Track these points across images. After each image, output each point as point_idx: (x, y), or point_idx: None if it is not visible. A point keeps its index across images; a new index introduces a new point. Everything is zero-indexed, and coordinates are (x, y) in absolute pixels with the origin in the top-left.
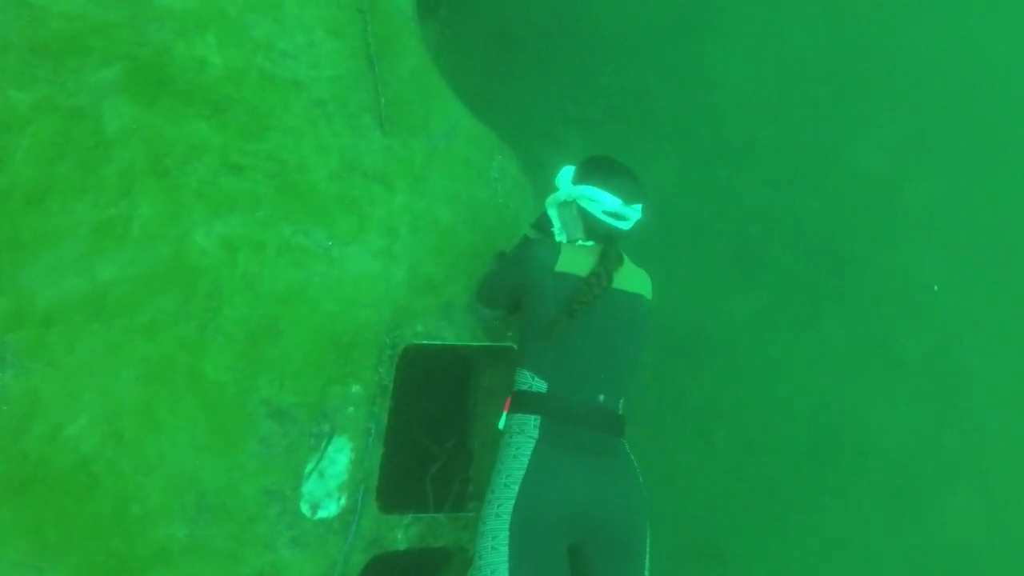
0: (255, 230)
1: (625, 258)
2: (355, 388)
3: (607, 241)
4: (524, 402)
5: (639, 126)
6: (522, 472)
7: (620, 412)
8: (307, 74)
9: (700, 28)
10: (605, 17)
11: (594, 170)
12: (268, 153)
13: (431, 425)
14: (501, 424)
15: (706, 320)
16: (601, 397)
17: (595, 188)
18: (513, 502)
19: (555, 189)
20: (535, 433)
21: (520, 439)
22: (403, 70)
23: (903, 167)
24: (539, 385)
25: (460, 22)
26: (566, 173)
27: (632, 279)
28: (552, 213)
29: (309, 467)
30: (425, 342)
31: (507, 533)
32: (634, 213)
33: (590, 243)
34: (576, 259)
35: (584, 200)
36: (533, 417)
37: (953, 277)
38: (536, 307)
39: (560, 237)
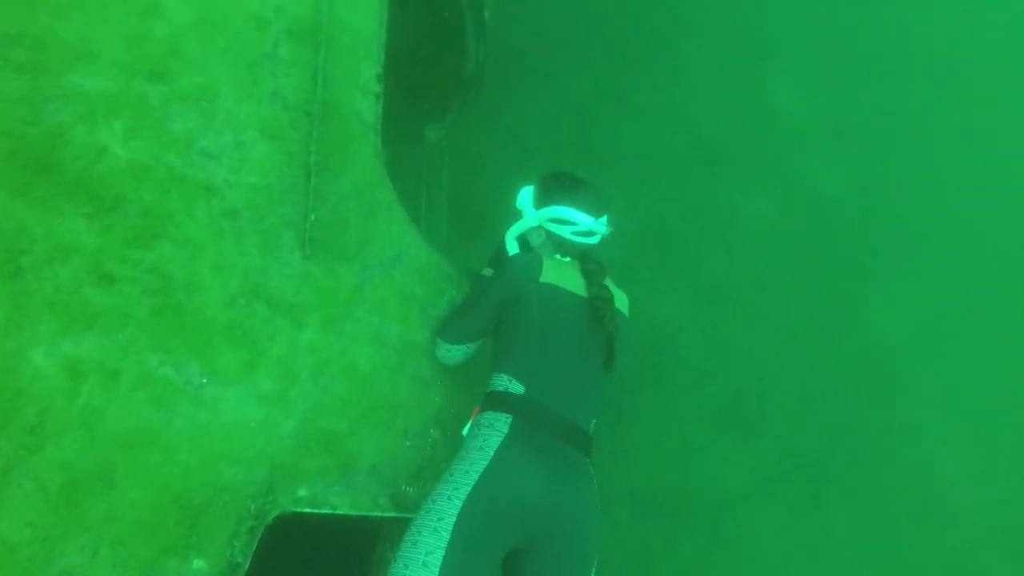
0: (112, 355)
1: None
2: (197, 563)
3: (581, 258)
4: (498, 402)
5: (649, 257)
6: (485, 463)
7: (591, 432)
8: (225, 179)
9: (723, 161)
10: (630, 141)
11: (557, 188)
12: (152, 265)
13: None
14: (465, 431)
15: (691, 483)
16: (576, 412)
17: (562, 207)
18: (470, 488)
19: (517, 215)
20: (505, 428)
21: (488, 432)
22: (347, 184)
23: (928, 335)
24: (516, 388)
25: (471, 129)
26: (526, 196)
27: (614, 296)
28: (512, 245)
29: None
30: (307, 510)
31: (455, 518)
32: (601, 226)
33: (567, 260)
34: (559, 272)
35: (553, 224)
36: (505, 415)
37: (980, 470)
38: (521, 316)
39: None
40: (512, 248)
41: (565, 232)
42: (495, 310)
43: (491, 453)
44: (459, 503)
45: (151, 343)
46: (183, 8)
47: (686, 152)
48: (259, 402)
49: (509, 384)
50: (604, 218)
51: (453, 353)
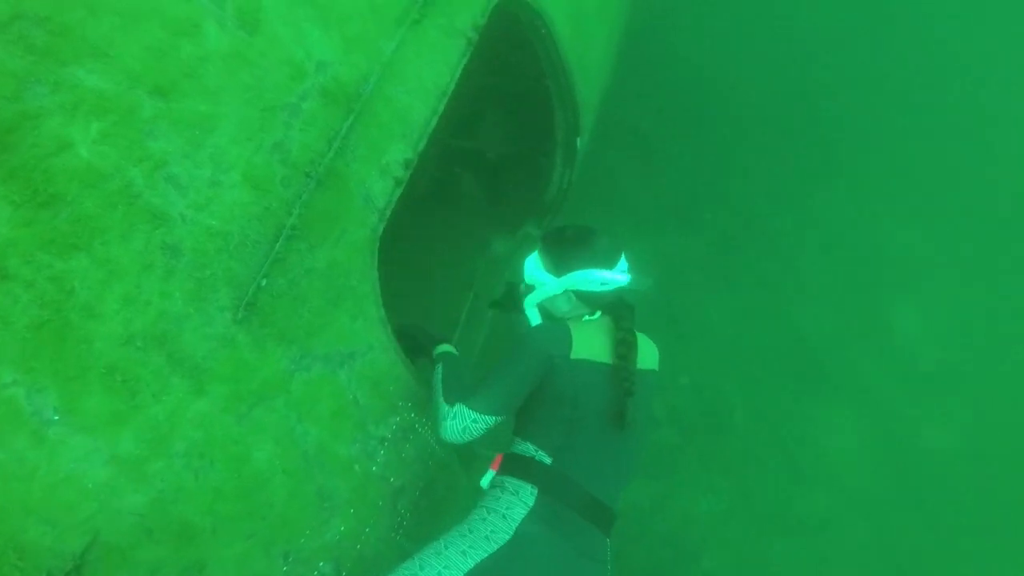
0: None
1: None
2: None
3: (614, 307)
4: (522, 468)
5: (704, 450)
6: (506, 536)
7: (616, 509)
8: (182, 212)
9: (817, 378)
10: (717, 321)
11: (571, 248)
12: (57, 275)
13: None
14: (484, 482)
15: None
16: (604, 488)
17: (586, 271)
18: (485, 556)
19: (527, 287)
20: (530, 501)
21: (512, 500)
22: (320, 260)
23: None
24: (543, 457)
25: None
26: (535, 267)
27: (644, 354)
28: (533, 315)
29: None
30: None
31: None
32: (623, 266)
33: (597, 315)
34: (589, 340)
35: (578, 284)
36: (531, 486)
37: None
38: (550, 389)
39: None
40: (534, 318)
41: (595, 287)
42: (530, 384)
43: (514, 526)
44: (471, 563)
45: (14, 356)
46: (221, 37)
47: (775, 354)
48: (109, 462)
49: (536, 453)
50: (623, 260)
51: (477, 426)
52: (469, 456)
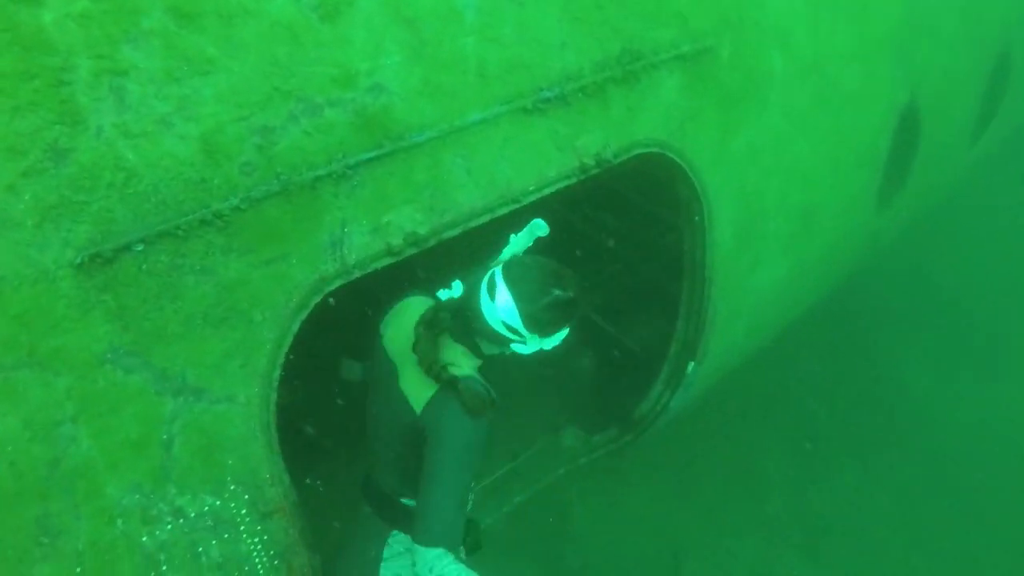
0: None
1: None
2: None
3: None
4: None
5: None
6: None
7: None
8: (103, 127)
9: None
10: None
11: (562, 318)
12: None
13: None
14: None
15: None
16: None
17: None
18: None
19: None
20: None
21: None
22: (230, 269)
23: None
24: None
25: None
26: (513, 320)
27: None
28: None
29: None
30: None
31: None
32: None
33: None
34: None
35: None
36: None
37: None
38: None
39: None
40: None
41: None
42: None
43: None
44: None
45: None
46: (287, 5)
47: None
48: None
49: None
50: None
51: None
52: None
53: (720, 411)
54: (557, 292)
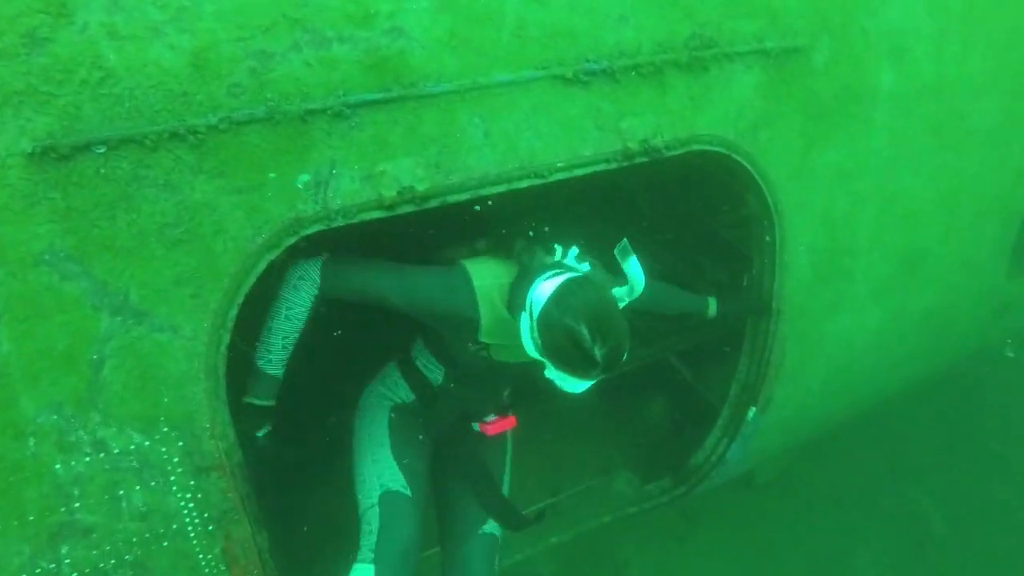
0: None
1: None
2: None
3: None
4: None
5: None
6: None
7: None
8: (88, 23)
9: None
10: None
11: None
12: None
13: None
14: None
15: None
16: None
17: None
18: None
19: None
20: None
21: None
22: (196, 191)
23: None
24: None
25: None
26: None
27: None
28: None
29: None
30: None
31: None
32: None
33: None
34: None
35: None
36: None
37: None
38: None
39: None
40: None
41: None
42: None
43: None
44: None
45: None
46: None
47: None
48: None
49: None
50: None
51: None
52: None
53: (810, 489)
54: (584, 333)
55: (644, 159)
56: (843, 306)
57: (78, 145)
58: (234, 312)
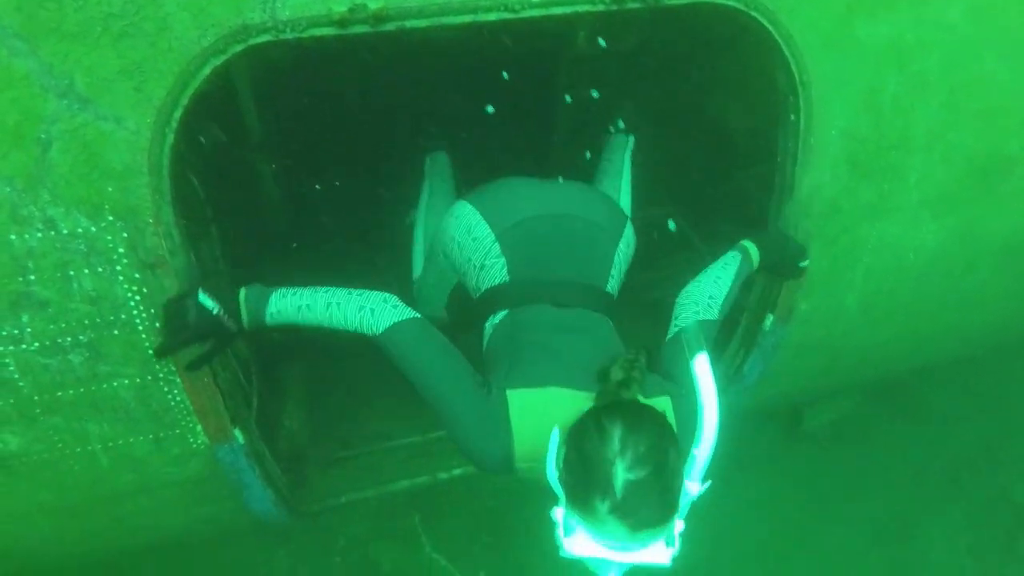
0: None
1: None
2: None
3: None
4: None
5: None
6: None
7: None
8: None
9: None
10: None
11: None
12: None
13: None
14: None
15: None
16: None
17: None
18: None
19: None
20: None
21: None
22: None
23: None
24: None
25: None
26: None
27: None
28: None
29: None
30: None
31: None
32: None
33: None
34: None
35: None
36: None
37: None
38: None
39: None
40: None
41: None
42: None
43: None
44: None
45: None
46: None
47: None
48: None
49: None
50: None
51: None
52: None
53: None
54: (609, 456)
55: (638, 4)
56: (889, 212)
57: None
58: (178, 113)
